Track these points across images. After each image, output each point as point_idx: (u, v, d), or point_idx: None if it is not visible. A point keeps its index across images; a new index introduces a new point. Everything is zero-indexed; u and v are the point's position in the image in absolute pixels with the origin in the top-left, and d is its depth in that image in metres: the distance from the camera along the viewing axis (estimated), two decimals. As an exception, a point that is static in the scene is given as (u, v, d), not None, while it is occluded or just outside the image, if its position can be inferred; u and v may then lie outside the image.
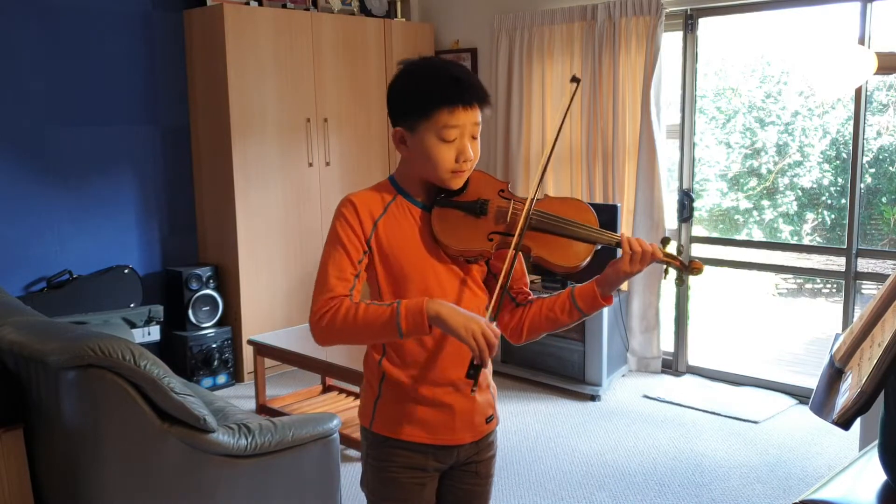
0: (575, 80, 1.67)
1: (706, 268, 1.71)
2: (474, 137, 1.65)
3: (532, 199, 1.63)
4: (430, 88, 1.61)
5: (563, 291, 1.74)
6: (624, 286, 4.78)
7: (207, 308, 4.74)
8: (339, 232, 1.65)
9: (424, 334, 1.57)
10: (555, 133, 1.69)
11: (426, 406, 1.71)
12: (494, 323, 1.57)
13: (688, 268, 1.67)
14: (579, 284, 1.73)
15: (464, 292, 1.70)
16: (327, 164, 5.16)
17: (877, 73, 2.99)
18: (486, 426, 1.79)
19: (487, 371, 1.80)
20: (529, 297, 1.80)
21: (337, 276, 1.63)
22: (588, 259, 1.66)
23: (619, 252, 1.65)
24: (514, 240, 1.61)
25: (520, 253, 1.67)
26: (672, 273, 1.69)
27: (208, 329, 4.73)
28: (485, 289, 1.76)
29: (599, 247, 1.67)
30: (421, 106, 1.61)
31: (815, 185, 5.84)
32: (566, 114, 1.68)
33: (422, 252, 1.67)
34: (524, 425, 4.16)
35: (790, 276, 6.22)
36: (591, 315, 1.73)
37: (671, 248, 1.69)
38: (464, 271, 1.71)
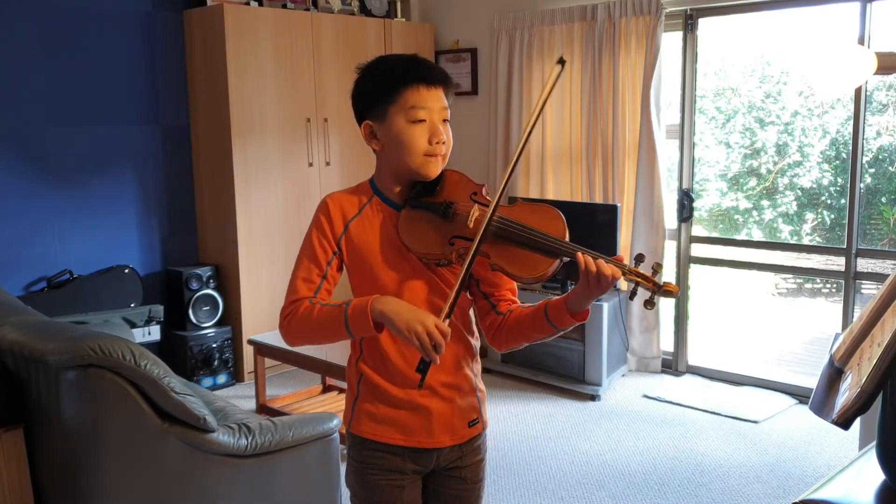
0: (561, 62, 1.61)
1: (667, 284, 1.56)
2: (445, 121, 1.64)
3: (494, 206, 1.57)
4: (392, 72, 1.62)
5: (538, 304, 1.67)
6: (624, 286, 4.78)
7: (207, 308, 4.74)
8: (311, 237, 1.69)
9: (371, 334, 1.57)
10: (532, 120, 1.59)
11: (402, 408, 1.69)
12: (447, 320, 1.52)
13: (660, 289, 1.53)
14: (554, 298, 1.65)
15: (434, 295, 1.66)
16: (327, 163, 5.16)
17: (876, 73, 2.99)
18: (469, 430, 1.75)
19: (476, 374, 1.78)
20: (512, 306, 1.74)
21: (303, 279, 1.67)
22: (551, 270, 1.57)
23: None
24: (472, 247, 1.55)
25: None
26: (640, 294, 1.55)
27: (208, 329, 4.73)
28: (464, 296, 1.73)
29: (567, 259, 1.58)
30: (385, 91, 1.61)
31: (814, 185, 5.85)
32: (545, 99, 1.59)
33: (391, 253, 1.66)
34: (524, 425, 4.16)
35: (790, 275, 6.22)
36: (565, 330, 1.65)
37: (644, 267, 1.56)
38: (436, 274, 1.67)
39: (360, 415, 1.73)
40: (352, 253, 1.67)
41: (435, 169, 1.65)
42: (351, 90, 1.70)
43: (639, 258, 1.58)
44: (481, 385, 1.80)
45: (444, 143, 1.63)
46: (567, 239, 1.59)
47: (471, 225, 1.60)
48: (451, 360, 1.71)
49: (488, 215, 1.56)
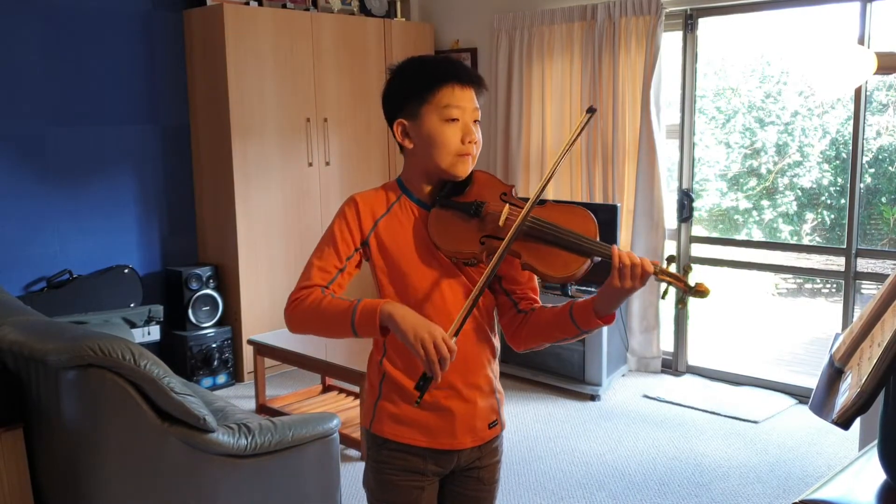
0: (591, 110, 1.62)
1: (707, 296, 1.58)
2: (476, 121, 1.65)
3: (530, 207, 1.57)
4: (426, 71, 1.64)
5: (563, 304, 1.67)
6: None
7: (207, 308, 4.74)
8: (334, 228, 1.67)
9: (376, 336, 1.56)
10: (561, 153, 1.63)
11: (425, 409, 1.67)
12: (454, 339, 1.50)
13: (692, 289, 1.55)
14: (580, 299, 1.65)
15: (462, 296, 1.66)
16: (327, 163, 5.16)
17: (876, 73, 2.99)
18: (489, 431, 1.75)
19: (496, 375, 1.77)
20: (534, 305, 1.73)
21: (320, 268, 1.64)
22: (582, 270, 1.58)
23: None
24: (502, 245, 1.55)
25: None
26: (672, 293, 1.58)
27: (208, 329, 4.73)
28: (488, 293, 1.72)
29: (598, 259, 1.59)
30: (420, 89, 1.62)
31: (814, 185, 5.85)
32: (574, 140, 1.62)
33: (421, 252, 1.66)
34: (524, 425, 4.16)
35: (790, 275, 6.22)
36: (590, 332, 1.65)
37: (674, 268, 1.58)
38: (464, 274, 1.67)
39: (382, 415, 1.72)
40: (382, 251, 1.67)
41: (465, 168, 1.66)
42: (382, 90, 1.71)
43: (670, 259, 1.60)
44: (500, 386, 1.80)
45: (476, 142, 1.65)
46: (598, 239, 1.60)
47: (502, 224, 1.61)
48: (474, 359, 1.70)
49: (522, 214, 1.57)
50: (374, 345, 1.75)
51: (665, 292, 1.59)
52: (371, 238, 1.66)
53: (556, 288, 4.61)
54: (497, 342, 1.78)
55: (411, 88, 1.64)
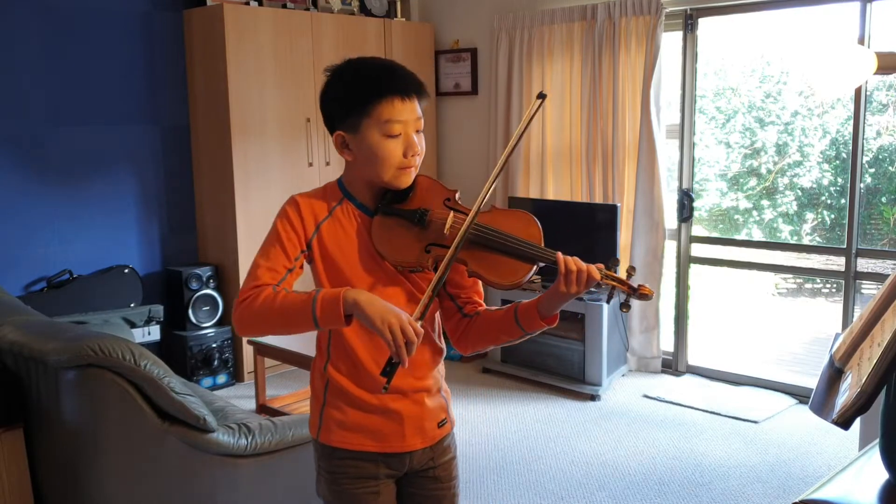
0: (541, 96, 1.61)
1: (649, 299, 1.61)
2: (418, 131, 1.61)
3: (474, 215, 1.56)
4: (365, 84, 1.57)
5: (507, 307, 1.68)
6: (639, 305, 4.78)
7: (207, 308, 4.74)
8: (278, 229, 1.63)
9: (340, 325, 1.52)
10: (511, 145, 1.61)
11: (373, 413, 1.66)
12: (420, 322, 1.50)
13: (635, 291, 1.58)
14: (524, 301, 1.67)
15: (408, 301, 1.65)
16: (327, 163, 5.16)
17: (876, 73, 2.99)
18: (439, 431, 1.75)
19: (442, 375, 1.78)
20: (478, 309, 1.74)
21: (268, 268, 1.61)
22: (528, 276, 1.59)
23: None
24: (448, 254, 1.55)
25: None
26: (616, 297, 1.60)
27: (208, 329, 4.73)
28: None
29: (542, 264, 1.60)
30: (359, 103, 1.56)
31: (814, 185, 5.85)
32: (525, 129, 1.61)
33: (364, 259, 1.63)
34: (524, 425, 4.16)
35: (790, 275, 6.22)
36: (534, 333, 1.67)
37: (619, 271, 1.61)
38: (409, 281, 1.66)
39: (329, 423, 1.69)
40: (323, 256, 1.63)
41: (408, 180, 1.63)
42: (319, 94, 1.64)
43: (613, 262, 1.62)
44: (446, 386, 1.80)
45: (419, 154, 1.61)
46: (542, 244, 1.61)
47: (447, 232, 1.60)
48: (422, 362, 1.70)
49: (467, 222, 1.56)
50: (317, 351, 1.73)
51: (610, 295, 1.62)
52: (314, 242, 1.63)
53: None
54: (442, 344, 1.79)
55: (350, 101, 1.57)
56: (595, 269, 1.56)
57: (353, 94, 1.57)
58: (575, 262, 1.56)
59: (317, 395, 1.73)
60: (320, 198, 1.67)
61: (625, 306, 1.60)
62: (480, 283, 1.71)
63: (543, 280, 4.78)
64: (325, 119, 1.65)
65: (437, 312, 1.76)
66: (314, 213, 1.64)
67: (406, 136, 1.59)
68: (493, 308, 1.73)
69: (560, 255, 1.57)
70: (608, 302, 1.66)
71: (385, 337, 1.46)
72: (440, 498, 1.79)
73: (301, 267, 1.66)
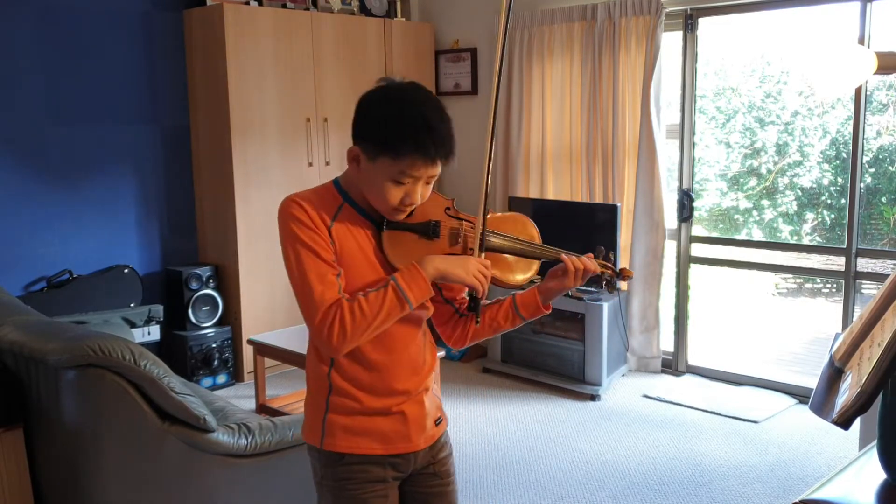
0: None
1: (630, 278, 1.82)
2: (427, 184, 1.62)
3: (483, 221, 1.66)
4: (404, 131, 1.54)
5: (504, 300, 1.81)
6: (624, 286, 4.79)
7: (207, 308, 4.74)
8: (300, 235, 1.58)
9: (431, 296, 1.63)
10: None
11: (379, 416, 1.68)
12: (483, 254, 1.66)
13: (619, 274, 1.78)
14: (520, 293, 1.80)
15: (420, 311, 1.71)
16: (327, 163, 5.16)
17: (877, 73, 2.99)
18: (437, 429, 1.79)
19: (436, 375, 1.85)
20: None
21: (320, 282, 1.56)
22: (534, 275, 1.75)
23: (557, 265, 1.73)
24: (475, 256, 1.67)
25: None
26: (604, 281, 1.78)
27: (208, 329, 4.73)
28: (431, 304, 1.76)
29: (544, 261, 1.76)
30: (389, 144, 1.54)
31: (814, 185, 5.85)
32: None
33: (376, 269, 1.64)
34: (524, 425, 4.16)
35: (790, 275, 6.22)
36: (529, 320, 1.82)
37: (602, 258, 1.79)
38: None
39: (334, 429, 1.68)
40: (338, 257, 1.63)
41: (399, 218, 1.65)
42: (359, 101, 1.62)
43: (598, 251, 1.79)
44: (434, 384, 1.86)
45: (413, 204, 1.62)
46: (542, 242, 1.77)
47: (461, 241, 1.69)
48: (424, 364, 1.75)
49: (479, 228, 1.66)
50: (314, 359, 1.71)
51: (598, 281, 1.79)
52: (332, 235, 1.62)
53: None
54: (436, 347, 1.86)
55: (381, 135, 1.56)
56: (591, 262, 1.73)
57: (387, 132, 1.55)
58: (580, 260, 1.72)
59: (316, 402, 1.71)
60: (321, 199, 1.64)
61: (610, 286, 1.81)
62: (507, 288, 1.79)
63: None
64: (355, 124, 1.62)
65: (431, 316, 1.81)
66: (322, 213, 1.61)
67: (411, 187, 1.59)
68: (487, 302, 1.83)
69: (563, 254, 1.73)
70: (602, 287, 1.83)
71: (475, 286, 1.63)
72: (442, 494, 1.81)
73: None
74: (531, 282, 1.77)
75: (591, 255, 1.75)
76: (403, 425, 1.70)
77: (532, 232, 1.77)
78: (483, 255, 1.68)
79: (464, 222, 1.70)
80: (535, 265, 1.75)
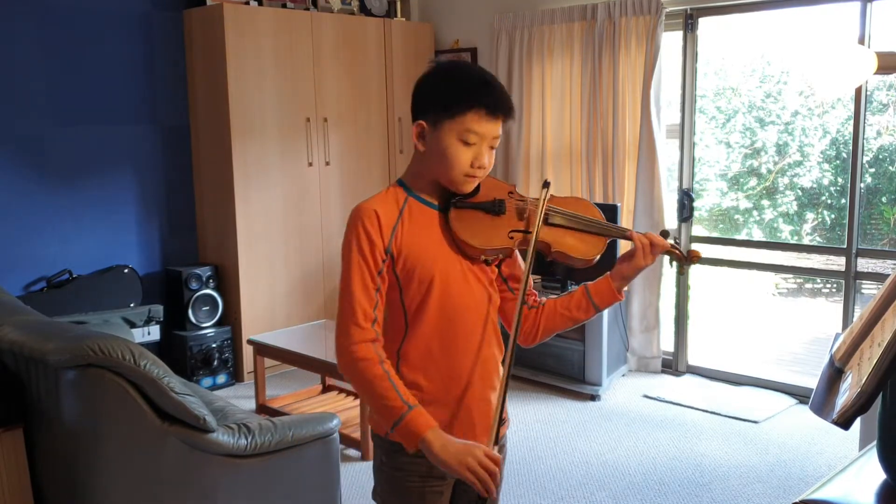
0: (546, 184, 1.73)
1: (701, 260, 1.81)
2: (492, 147, 1.66)
3: (544, 198, 1.70)
4: (463, 89, 1.62)
5: (576, 290, 1.80)
6: (691, 270, 4.80)
7: (207, 308, 4.74)
8: (355, 245, 1.62)
9: (408, 447, 1.59)
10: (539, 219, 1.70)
11: (444, 408, 1.68)
12: (495, 448, 1.58)
13: (687, 258, 1.78)
14: (592, 282, 1.78)
15: (487, 291, 1.72)
16: (327, 163, 5.16)
17: (877, 73, 2.99)
18: (501, 428, 1.75)
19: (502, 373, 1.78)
20: (540, 300, 1.82)
21: (363, 309, 1.61)
22: (602, 251, 1.74)
23: (621, 247, 1.69)
24: (534, 235, 1.67)
25: (519, 258, 1.74)
26: (675, 263, 1.81)
27: (208, 329, 4.73)
28: (498, 296, 1.78)
29: (610, 240, 1.76)
30: (450, 104, 1.60)
31: (814, 185, 5.85)
32: (540, 218, 1.70)
33: (444, 252, 1.67)
34: (524, 425, 4.16)
35: (790, 275, 6.22)
36: (605, 310, 1.80)
37: (670, 240, 1.79)
38: (478, 268, 1.72)
39: None
40: (403, 256, 1.64)
41: (469, 188, 1.68)
42: (415, 84, 1.68)
43: (664, 234, 1.79)
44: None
45: (484, 167, 1.66)
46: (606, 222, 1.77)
47: (527, 216, 1.71)
48: (493, 361, 1.75)
49: (541, 204, 1.69)
50: (386, 348, 1.71)
51: (670, 263, 1.82)
52: (392, 246, 1.63)
53: (556, 281, 4.64)
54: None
55: (441, 99, 1.62)
56: (659, 238, 1.75)
57: (446, 94, 1.62)
58: (646, 236, 1.74)
59: None
60: (385, 202, 1.67)
61: (680, 269, 1.81)
62: (573, 266, 1.78)
63: (543, 279, 4.78)
64: (413, 106, 1.68)
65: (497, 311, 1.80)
66: (387, 217, 1.64)
67: (478, 149, 1.63)
68: (556, 296, 1.84)
69: (631, 231, 1.75)
70: (672, 266, 1.83)
71: (469, 480, 1.52)
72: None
73: (387, 272, 1.65)
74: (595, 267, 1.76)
75: (656, 234, 1.78)
76: (469, 420, 1.70)
77: (594, 211, 1.77)
78: (541, 230, 1.68)
79: (528, 201, 1.73)
80: (602, 242, 1.74)
